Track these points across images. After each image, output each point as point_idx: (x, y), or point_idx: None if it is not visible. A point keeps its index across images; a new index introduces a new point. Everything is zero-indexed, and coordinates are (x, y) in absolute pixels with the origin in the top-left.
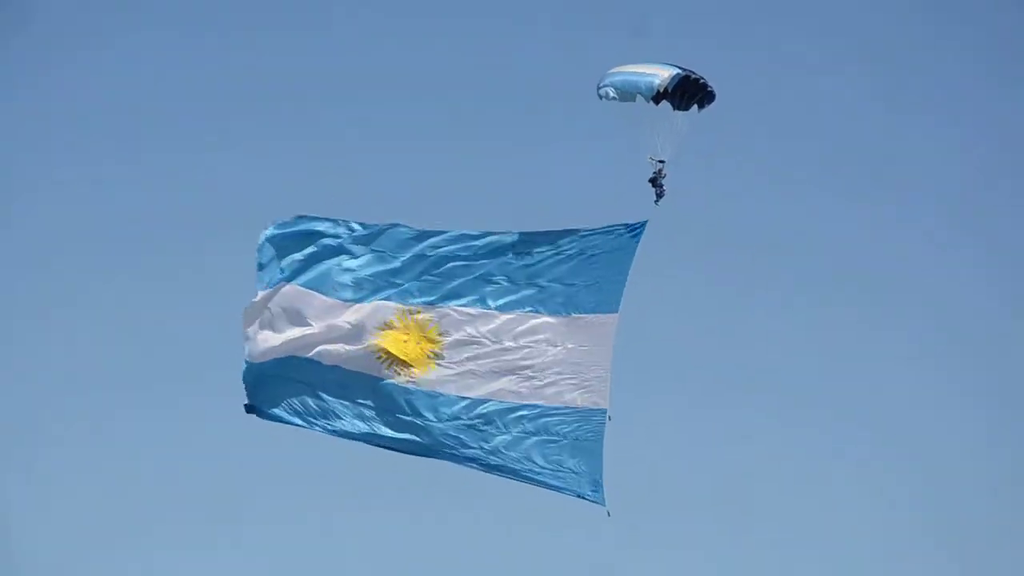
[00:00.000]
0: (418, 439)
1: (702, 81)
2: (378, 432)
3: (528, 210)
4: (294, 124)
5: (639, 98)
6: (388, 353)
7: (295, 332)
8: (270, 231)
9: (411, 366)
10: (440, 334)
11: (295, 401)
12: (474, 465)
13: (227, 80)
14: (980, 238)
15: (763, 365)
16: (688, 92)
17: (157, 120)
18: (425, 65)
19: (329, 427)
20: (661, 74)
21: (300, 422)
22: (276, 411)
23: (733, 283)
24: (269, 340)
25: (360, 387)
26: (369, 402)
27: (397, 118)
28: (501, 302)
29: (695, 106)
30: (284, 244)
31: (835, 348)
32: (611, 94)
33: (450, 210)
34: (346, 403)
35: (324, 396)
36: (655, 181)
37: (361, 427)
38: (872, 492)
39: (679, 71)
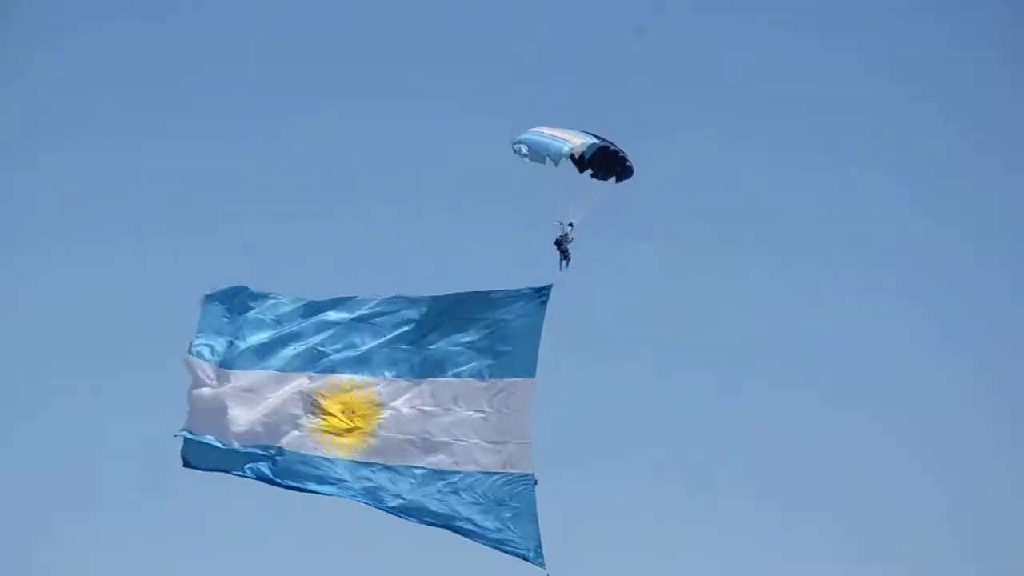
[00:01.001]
0: (357, 495)
1: (621, 155)
2: (315, 490)
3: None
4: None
5: (548, 161)
6: (323, 431)
7: (238, 412)
8: (205, 305)
9: (344, 439)
10: (371, 405)
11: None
12: (413, 519)
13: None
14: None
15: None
16: (605, 164)
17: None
18: (420, 67)
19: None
20: (573, 141)
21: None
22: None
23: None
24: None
25: (299, 464)
26: (310, 472)
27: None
28: (425, 370)
29: (612, 178)
30: (217, 321)
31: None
32: (523, 151)
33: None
34: (286, 478)
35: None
36: (560, 244)
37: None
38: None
39: (597, 142)
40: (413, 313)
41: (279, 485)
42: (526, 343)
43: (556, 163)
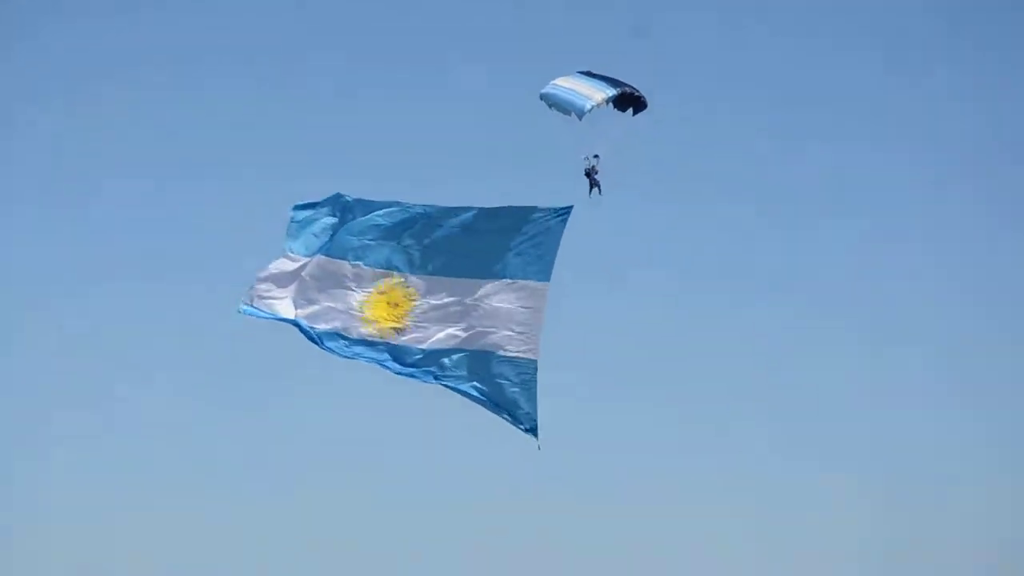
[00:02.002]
0: (388, 362)
1: (637, 94)
2: (355, 350)
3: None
4: None
5: (573, 115)
6: (371, 319)
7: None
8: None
9: (388, 325)
10: (414, 298)
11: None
12: (435, 382)
13: None
14: None
15: None
16: (624, 103)
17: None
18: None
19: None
20: (594, 97)
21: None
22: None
23: None
24: (286, 302)
25: (346, 338)
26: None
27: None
28: (461, 270)
29: (630, 110)
30: (305, 221)
31: None
32: (549, 103)
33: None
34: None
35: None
36: (589, 174)
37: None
38: None
39: (614, 92)
40: (450, 220)
41: (326, 348)
42: (545, 253)
43: (580, 118)
